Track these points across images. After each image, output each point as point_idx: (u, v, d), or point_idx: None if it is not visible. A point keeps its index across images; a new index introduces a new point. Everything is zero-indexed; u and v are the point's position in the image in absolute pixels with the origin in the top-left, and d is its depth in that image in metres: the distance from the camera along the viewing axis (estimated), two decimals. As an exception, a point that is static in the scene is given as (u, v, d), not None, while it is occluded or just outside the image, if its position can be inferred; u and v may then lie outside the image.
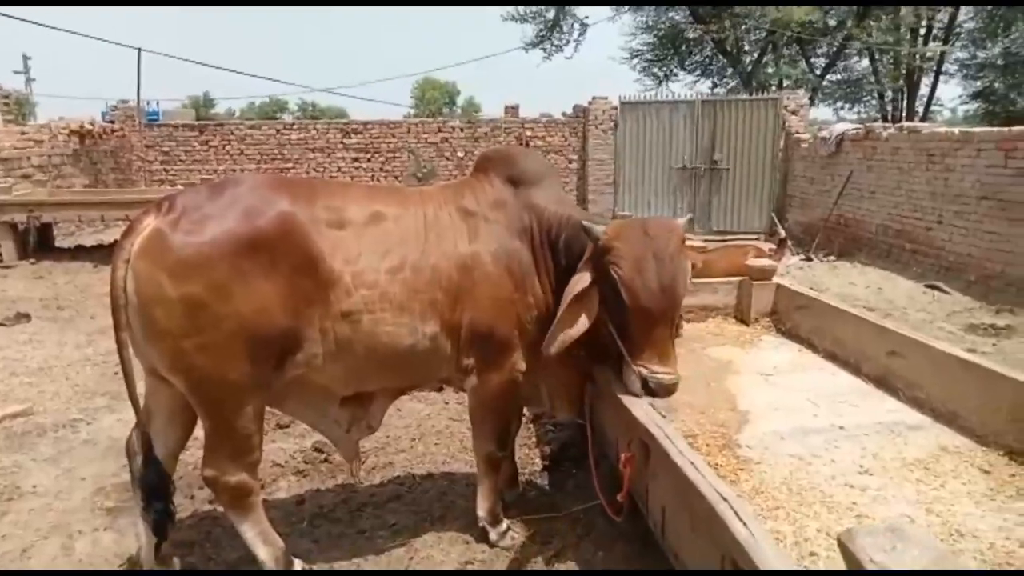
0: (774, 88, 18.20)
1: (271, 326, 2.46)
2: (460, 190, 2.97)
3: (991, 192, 8.17)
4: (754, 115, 13.52)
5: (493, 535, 3.08)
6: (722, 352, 3.96)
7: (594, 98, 14.70)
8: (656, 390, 2.54)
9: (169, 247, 2.38)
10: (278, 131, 15.22)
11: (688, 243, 5.99)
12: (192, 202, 2.49)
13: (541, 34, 21.03)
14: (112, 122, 14.34)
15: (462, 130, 15.08)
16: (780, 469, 2.64)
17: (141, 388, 2.68)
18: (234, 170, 14.84)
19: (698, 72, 21.97)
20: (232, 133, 15.15)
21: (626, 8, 20.68)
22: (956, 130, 8.96)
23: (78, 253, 10.12)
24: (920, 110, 19.79)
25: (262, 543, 2.72)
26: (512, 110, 15.59)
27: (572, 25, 21.06)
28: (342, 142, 15.02)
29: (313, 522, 3.34)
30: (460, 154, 15.02)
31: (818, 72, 20.51)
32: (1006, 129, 8.26)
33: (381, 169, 15.07)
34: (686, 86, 21.99)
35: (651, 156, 14.05)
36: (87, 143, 12.58)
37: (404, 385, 3.04)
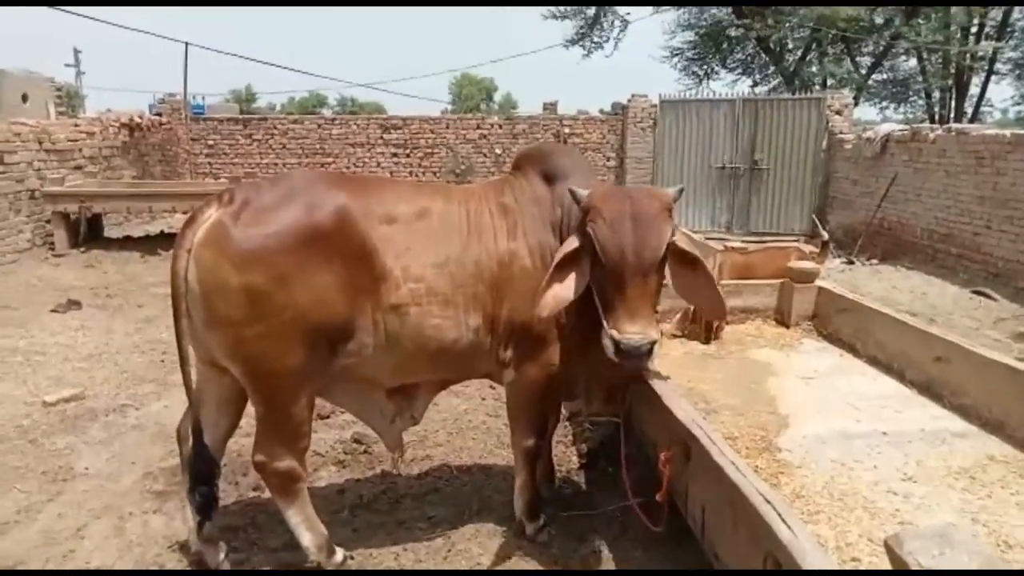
0: (818, 87, 17.90)
1: (327, 315, 2.54)
2: (500, 187, 3.02)
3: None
4: (797, 115, 13.32)
5: (530, 530, 3.12)
6: (762, 354, 3.94)
7: (633, 96, 14.64)
8: (627, 351, 2.46)
9: (232, 238, 2.46)
10: (319, 125, 15.44)
11: (728, 244, 5.99)
12: (253, 195, 2.58)
13: (581, 31, 20.96)
14: (159, 115, 14.67)
15: (500, 127, 15.13)
16: (821, 474, 2.62)
17: (193, 376, 2.76)
18: (277, 164, 15.10)
19: (739, 70, 21.71)
20: (275, 127, 15.41)
21: (668, 6, 20.50)
22: (1007, 132, 8.74)
23: (126, 243, 10.41)
24: (969, 111, 19.25)
25: (306, 529, 2.79)
26: (551, 107, 15.57)
27: (612, 22, 20.97)
28: (382, 137, 15.18)
29: (353, 511, 3.41)
30: (498, 151, 15.08)
31: (863, 71, 20.10)
32: (1061, 132, 8.03)
33: (419, 164, 15.20)
34: (727, 85, 21.86)
35: (690, 155, 13.93)
36: (136, 136, 12.90)
37: (448, 377, 3.09)
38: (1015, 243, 8.33)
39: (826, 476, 2.61)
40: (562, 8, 20.55)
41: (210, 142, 15.29)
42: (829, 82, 18.46)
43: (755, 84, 21.21)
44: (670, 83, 28.08)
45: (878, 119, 21.45)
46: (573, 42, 21.19)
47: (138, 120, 13.04)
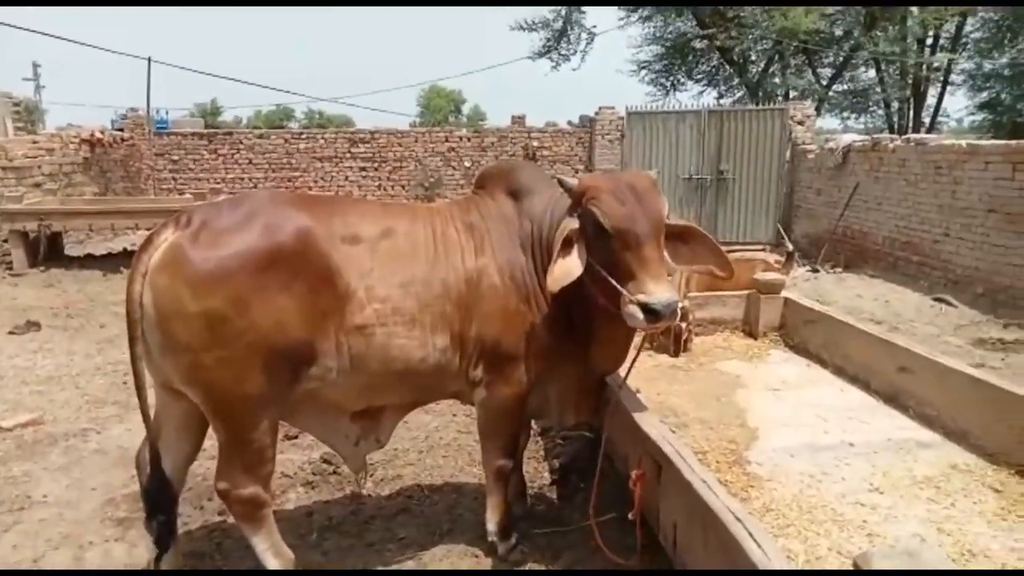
0: (780, 98, 18.21)
1: (289, 339, 2.49)
2: (465, 206, 3.02)
3: (999, 205, 8.15)
4: (760, 125, 13.52)
5: (502, 549, 3.08)
6: (730, 366, 3.97)
7: (601, 108, 14.77)
8: (660, 311, 2.44)
9: (189, 260, 2.40)
10: (286, 140, 15.31)
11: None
12: (211, 216, 2.52)
13: (548, 44, 21.10)
14: (121, 130, 14.43)
15: (469, 140, 15.14)
16: (790, 486, 2.64)
17: (151, 400, 2.69)
18: (243, 178, 14.93)
19: (705, 82, 22.00)
20: (241, 142, 15.24)
21: (634, 17, 20.72)
22: (963, 143, 8.95)
23: (87, 262, 10.18)
24: (927, 120, 19.77)
25: (273, 556, 2.73)
26: (519, 120, 15.63)
27: (579, 35, 21.15)
28: (349, 151, 15.09)
29: (323, 535, 3.35)
30: (467, 163, 15.07)
31: (824, 82, 20.51)
32: (1014, 142, 8.25)
33: (388, 178, 15.14)
34: (693, 96, 22.08)
35: (658, 166, 14.05)
36: (97, 151, 12.66)
37: (415, 399, 3.05)
38: (973, 251, 8.51)
39: (795, 489, 2.63)
40: (529, 19, 20.70)
41: (174, 157, 15.07)
42: (791, 93, 18.81)
43: (720, 96, 21.52)
44: (637, 95, 28.46)
45: (839, 129, 21.95)
46: (540, 54, 21.32)
47: (99, 136, 12.80)
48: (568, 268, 2.62)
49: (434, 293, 2.75)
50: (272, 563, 2.72)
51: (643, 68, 21.92)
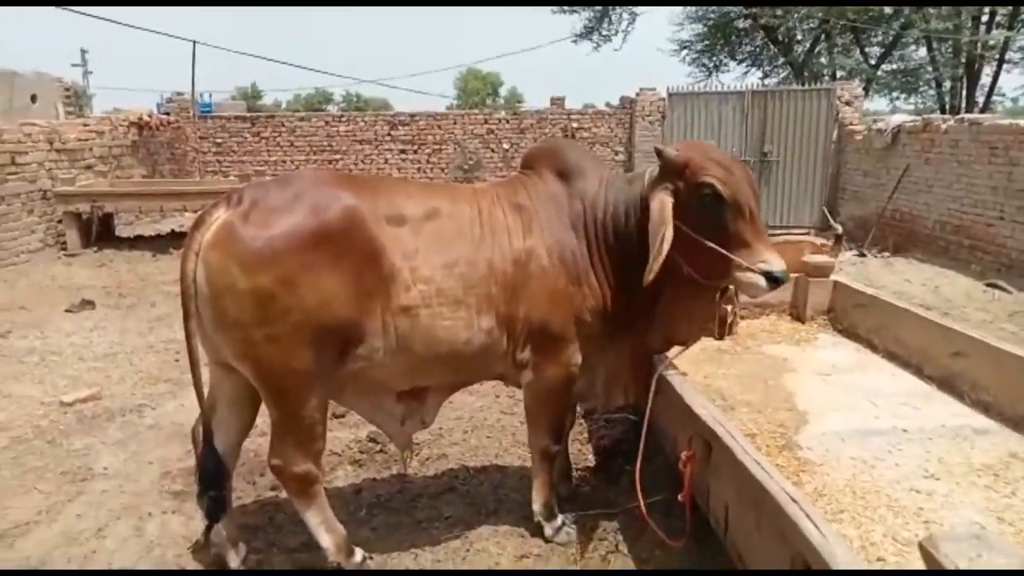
0: (827, 79, 17.79)
1: (335, 318, 2.53)
2: (512, 186, 3.00)
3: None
4: (806, 106, 13.22)
5: (548, 530, 3.11)
6: (777, 350, 3.92)
7: (641, 89, 14.57)
8: (781, 278, 2.59)
9: (239, 239, 2.46)
10: (327, 123, 15.43)
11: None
12: (261, 195, 2.57)
13: (590, 25, 20.88)
14: (168, 114, 14.70)
15: (508, 122, 15.08)
16: (842, 471, 2.61)
17: (204, 376, 2.76)
18: (285, 161, 15.12)
19: (748, 62, 21.58)
20: (283, 125, 15.41)
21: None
22: (1021, 122, 8.65)
23: (137, 242, 10.44)
24: (980, 100, 19.09)
25: (325, 531, 2.79)
26: (558, 101, 15.52)
27: (621, 15, 20.87)
28: (389, 134, 15.16)
29: (371, 511, 3.42)
30: (506, 146, 15.04)
31: (873, 62, 19.95)
32: (1078, 122, 7.95)
33: (427, 161, 15.18)
34: (737, 77, 21.70)
35: (700, 148, 13.86)
36: (145, 135, 12.93)
37: (460, 381, 3.08)
38: (1029, 234, 8.25)
39: (848, 474, 2.59)
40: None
41: (218, 140, 15.30)
42: (839, 73, 18.35)
43: (765, 76, 21.08)
44: (678, 76, 28.01)
45: (888, 110, 21.29)
46: (582, 36, 21.12)
47: (147, 119, 13.07)
48: (661, 257, 2.60)
49: (479, 274, 2.75)
50: (324, 539, 2.79)
51: (684, 48, 21.62)
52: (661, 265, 2.60)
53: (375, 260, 2.60)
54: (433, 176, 15.09)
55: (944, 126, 9.95)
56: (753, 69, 21.45)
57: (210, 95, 17.97)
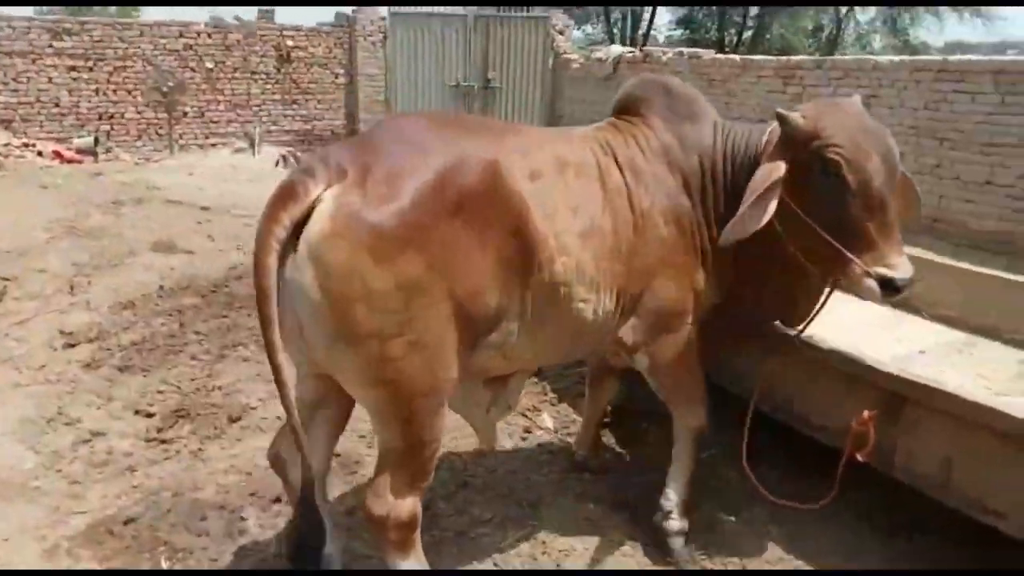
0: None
1: (487, 306, 2.05)
2: (619, 135, 2.54)
3: (772, 116, 9.30)
4: (525, 34, 13.71)
5: (676, 524, 2.69)
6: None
7: (358, 7, 13.64)
8: (901, 287, 2.20)
9: (368, 223, 1.83)
10: (-50, 27, 11.74)
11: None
12: (372, 159, 1.92)
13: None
14: None
15: (210, 36, 13.02)
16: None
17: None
18: None
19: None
20: None
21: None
22: (737, 57, 9.99)
23: None
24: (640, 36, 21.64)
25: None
26: (266, 15, 13.81)
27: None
28: (51, 45, 12.08)
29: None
30: (209, 65, 13.01)
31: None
32: (784, 58, 9.45)
33: (108, 82, 12.48)
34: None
35: (424, 72, 13.60)
36: None
37: (556, 362, 2.67)
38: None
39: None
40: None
41: None
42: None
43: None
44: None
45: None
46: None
47: None
48: (748, 229, 2.24)
49: (608, 245, 2.34)
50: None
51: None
52: (762, 235, 2.27)
53: (522, 227, 2.09)
54: (118, 100, 12.53)
55: (665, 58, 11.05)
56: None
57: None
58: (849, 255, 2.21)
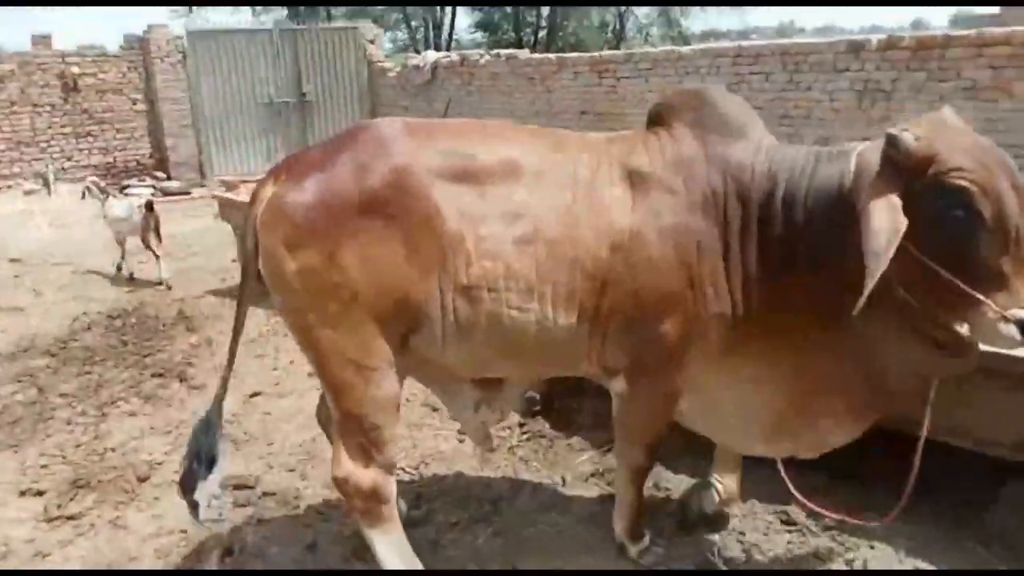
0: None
1: (390, 298, 2.20)
2: (631, 144, 2.36)
3: (589, 107, 9.91)
4: (336, 45, 13.47)
5: (633, 551, 2.64)
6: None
7: (150, 26, 12.69)
8: None
9: (281, 214, 2.20)
10: None
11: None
12: (295, 160, 2.37)
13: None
14: None
15: (-26, 68, 11.50)
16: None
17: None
18: None
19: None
20: None
21: None
22: (553, 56, 10.49)
23: None
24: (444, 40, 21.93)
25: (398, 563, 2.40)
26: (43, 41, 12.42)
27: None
28: None
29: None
30: (-24, 101, 11.50)
31: None
32: (596, 54, 10.06)
33: None
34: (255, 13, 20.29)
35: (233, 91, 12.96)
36: None
37: (534, 376, 2.76)
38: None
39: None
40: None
41: None
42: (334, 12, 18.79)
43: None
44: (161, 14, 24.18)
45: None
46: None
47: None
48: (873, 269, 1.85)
49: (562, 256, 2.21)
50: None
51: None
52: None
53: (430, 228, 2.17)
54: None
55: (483, 61, 11.35)
56: (275, 8, 20.25)
57: None
58: (979, 296, 1.88)
